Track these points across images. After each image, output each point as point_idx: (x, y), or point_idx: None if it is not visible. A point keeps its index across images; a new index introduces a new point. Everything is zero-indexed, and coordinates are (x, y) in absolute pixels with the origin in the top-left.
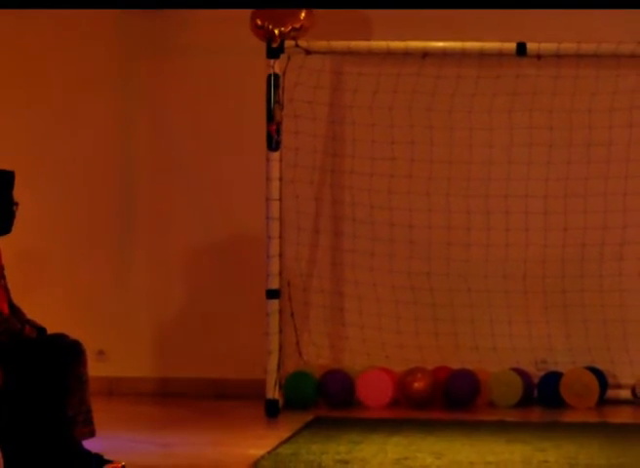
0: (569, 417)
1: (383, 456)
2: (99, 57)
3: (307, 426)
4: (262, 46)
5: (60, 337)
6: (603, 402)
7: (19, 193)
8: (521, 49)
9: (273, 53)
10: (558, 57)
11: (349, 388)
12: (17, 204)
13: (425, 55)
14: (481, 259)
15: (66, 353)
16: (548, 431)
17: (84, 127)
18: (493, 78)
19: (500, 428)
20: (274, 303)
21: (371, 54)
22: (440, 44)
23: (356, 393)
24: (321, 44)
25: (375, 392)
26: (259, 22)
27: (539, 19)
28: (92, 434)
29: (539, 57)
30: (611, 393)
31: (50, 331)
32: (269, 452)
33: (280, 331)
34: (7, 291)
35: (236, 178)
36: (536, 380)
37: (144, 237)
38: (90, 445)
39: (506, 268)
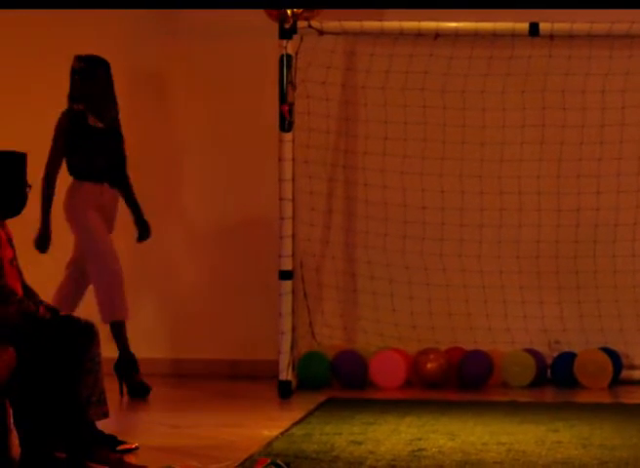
0: (582, 398)
1: (397, 437)
2: (109, 38)
3: (320, 407)
4: (275, 27)
5: (74, 319)
6: (617, 382)
7: (29, 175)
8: (534, 29)
9: (286, 33)
10: (571, 37)
11: (362, 369)
12: (30, 186)
13: (438, 35)
14: (494, 240)
15: (80, 334)
16: (562, 411)
17: None
18: (505, 59)
19: (514, 409)
20: (287, 284)
21: (383, 34)
22: (452, 24)
23: (369, 374)
24: (334, 24)
25: (388, 373)
26: None
27: None
28: (105, 415)
29: (551, 37)
30: (624, 373)
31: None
32: (282, 433)
33: (293, 312)
34: (20, 272)
35: (249, 159)
36: (549, 361)
37: (157, 218)
38: (103, 425)
39: (519, 249)
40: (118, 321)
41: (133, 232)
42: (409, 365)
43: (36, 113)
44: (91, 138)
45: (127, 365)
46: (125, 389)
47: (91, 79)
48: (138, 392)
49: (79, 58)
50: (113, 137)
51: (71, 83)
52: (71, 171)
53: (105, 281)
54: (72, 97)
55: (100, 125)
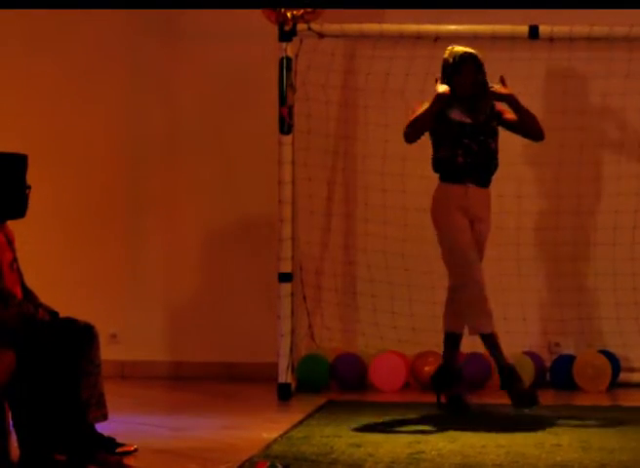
0: (581, 401)
1: (396, 439)
2: (110, 39)
3: (320, 409)
4: (275, 29)
5: (73, 321)
6: (615, 385)
7: (29, 176)
8: (533, 32)
9: (286, 36)
10: (570, 40)
11: (362, 371)
12: (29, 187)
13: (437, 38)
14: (493, 243)
15: (80, 336)
16: (561, 414)
17: (95, 112)
18: (505, 61)
19: (513, 411)
20: (286, 287)
21: (383, 37)
22: (452, 27)
23: (369, 376)
24: (334, 27)
25: (388, 375)
26: None
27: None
28: (104, 417)
29: (551, 40)
30: (623, 376)
31: (62, 314)
32: (282, 436)
33: (292, 315)
34: (20, 274)
35: (248, 162)
36: (548, 364)
37: (156, 220)
38: (102, 428)
39: (519, 251)
40: (485, 334)
41: (130, 232)
42: (408, 367)
43: (37, 114)
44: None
45: (509, 375)
46: (511, 399)
47: None
48: (523, 401)
49: None
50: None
51: None
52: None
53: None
54: None
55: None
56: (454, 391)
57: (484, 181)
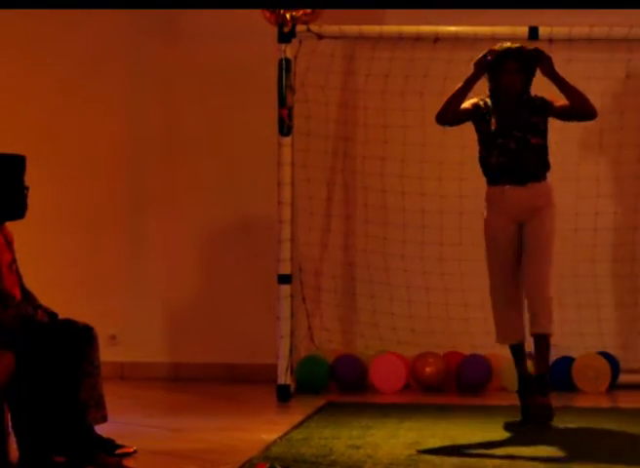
0: (581, 402)
1: (396, 441)
2: (111, 39)
3: (319, 411)
4: (274, 30)
5: (72, 322)
6: (615, 387)
7: (28, 176)
8: (533, 33)
9: (285, 37)
10: (570, 40)
11: (361, 373)
12: (27, 188)
13: (437, 39)
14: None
15: (79, 338)
16: (561, 415)
17: (95, 112)
18: None
19: (512, 413)
20: (286, 288)
21: (382, 38)
22: (452, 28)
23: (369, 378)
24: (333, 28)
25: (388, 377)
26: None
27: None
28: (104, 419)
29: (551, 40)
30: (623, 378)
31: (61, 316)
32: (281, 437)
33: (292, 316)
34: (19, 275)
35: (248, 163)
36: None
37: (156, 221)
38: (101, 429)
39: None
40: (543, 334)
41: (130, 234)
42: (408, 369)
43: (36, 114)
44: None
45: (527, 384)
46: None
47: None
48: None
49: None
50: None
51: None
52: None
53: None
54: None
55: None
56: (537, 401)
57: (523, 179)
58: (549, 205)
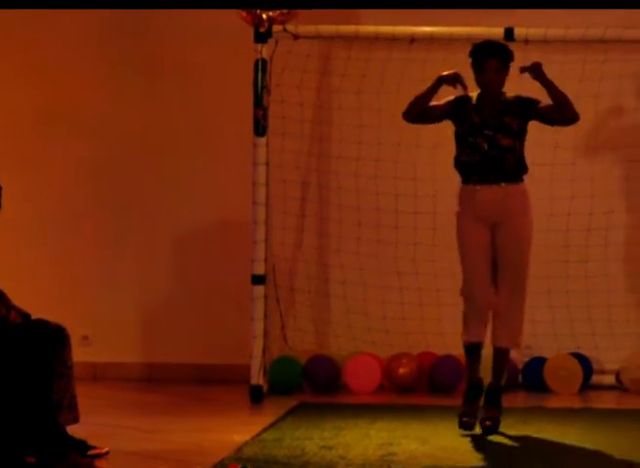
0: (553, 403)
1: (368, 442)
2: (87, 40)
3: (292, 412)
4: (250, 30)
5: (45, 323)
6: (588, 387)
7: (3, 178)
8: (509, 34)
9: (261, 37)
10: (546, 42)
11: (334, 373)
12: (1, 188)
13: (413, 40)
14: None
15: (52, 338)
16: (533, 416)
17: (70, 114)
18: None
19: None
20: (259, 289)
21: (359, 38)
22: (428, 29)
23: (344, 378)
24: (309, 28)
25: (363, 377)
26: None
27: None
28: (76, 419)
29: (526, 42)
30: (595, 378)
31: (34, 316)
32: (253, 438)
33: (265, 317)
34: None
35: (223, 163)
36: (520, 366)
37: (129, 221)
38: (74, 430)
39: None
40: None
41: (102, 234)
42: (383, 369)
43: (14, 110)
44: None
45: (473, 390)
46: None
47: None
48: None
49: None
50: None
51: None
52: None
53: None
54: None
55: None
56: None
57: (494, 179)
58: (525, 213)
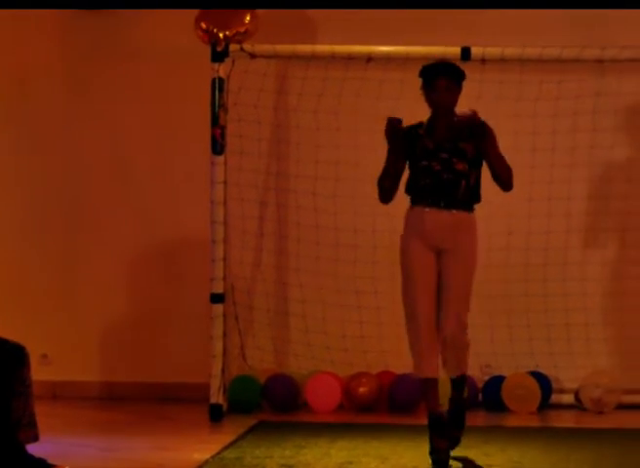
0: (513, 422)
1: (328, 460)
2: (44, 59)
3: (251, 430)
4: (207, 49)
5: (4, 341)
6: (547, 406)
7: None
8: (465, 53)
9: (218, 56)
10: (503, 61)
11: (294, 392)
12: None
13: (370, 59)
14: None
15: (10, 357)
16: (493, 435)
17: (26, 131)
18: None
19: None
20: (218, 307)
21: (315, 58)
22: (384, 48)
23: (304, 397)
24: (266, 48)
25: (323, 396)
26: (203, 26)
27: (483, 23)
28: (35, 438)
29: (483, 61)
30: (554, 397)
31: None
32: (213, 457)
33: (224, 335)
34: None
35: (181, 182)
36: (480, 385)
37: (89, 239)
38: (33, 449)
39: None
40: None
41: (61, 252)
42: (343, 388)
43: None
44: None
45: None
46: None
47: None
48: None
49: None
50: None
51: None
52: None
53: None
54: None
55: None
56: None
57: (444, 204)
58: (472, 243)
